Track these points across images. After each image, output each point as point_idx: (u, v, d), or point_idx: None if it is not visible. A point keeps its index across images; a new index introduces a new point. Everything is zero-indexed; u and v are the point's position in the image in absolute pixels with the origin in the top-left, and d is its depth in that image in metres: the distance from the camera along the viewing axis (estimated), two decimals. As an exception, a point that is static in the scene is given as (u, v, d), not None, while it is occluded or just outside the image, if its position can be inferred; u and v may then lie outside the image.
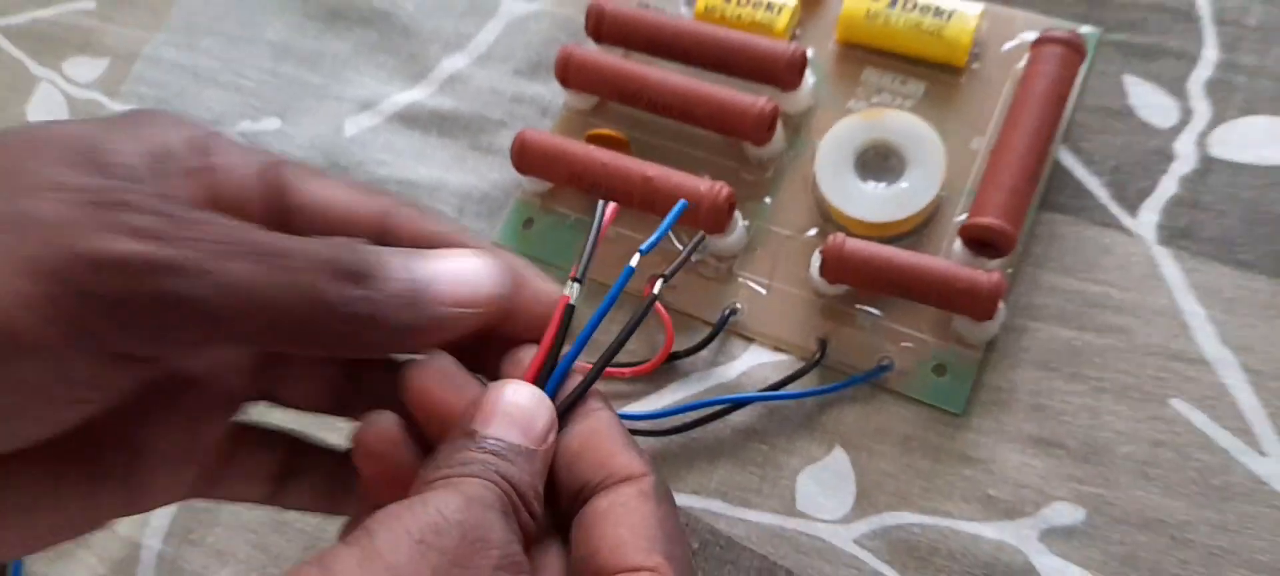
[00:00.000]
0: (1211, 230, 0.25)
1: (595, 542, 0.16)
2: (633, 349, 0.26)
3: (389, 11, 0.32)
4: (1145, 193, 0.26)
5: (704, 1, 0.29)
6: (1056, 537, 0.22)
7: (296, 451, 0.20)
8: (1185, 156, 0.26)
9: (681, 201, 0.21)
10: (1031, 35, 0.27)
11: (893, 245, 0.25)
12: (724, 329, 0.26)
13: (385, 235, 0.18)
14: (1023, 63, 0.27)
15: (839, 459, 0.24)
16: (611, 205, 0.19)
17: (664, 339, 0.26)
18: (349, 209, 0.18)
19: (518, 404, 0.17)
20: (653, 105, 0.28)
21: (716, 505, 0.24)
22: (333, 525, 0.24)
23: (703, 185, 0.26)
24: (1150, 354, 0.24)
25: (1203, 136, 0.26)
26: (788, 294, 0.26)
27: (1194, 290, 0.24)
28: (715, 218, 0.26)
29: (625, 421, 0.25)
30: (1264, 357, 0.23)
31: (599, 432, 0.18)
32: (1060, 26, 0.28)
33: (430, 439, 0.18)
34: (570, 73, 0.28)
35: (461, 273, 0.17)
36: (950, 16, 0.27)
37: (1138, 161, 0.26)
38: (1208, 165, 0.26)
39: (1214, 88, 0.27)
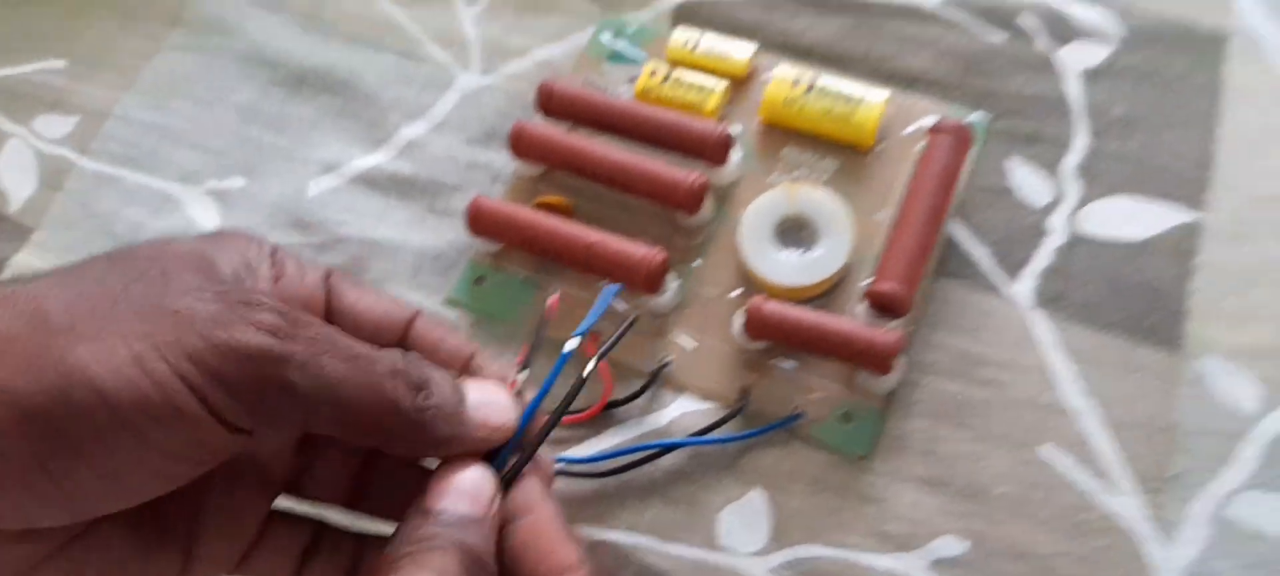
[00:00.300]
0: (1078, 296, 0.29)
1: None
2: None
3: (351, 81, 0.35)
4: (1023, 262, 0.30)
5: (643, 82, 0.32)
6: (943, 567, 0.26)
7: (320, 533, 0.23)
8: (1057, 231, 0.30)
9: (611, 288, 0.24)
10: (930, 121, 0.31)
11: (807, 306, 0.28)
12: (657, 380, 0.29)
13: (410, 339, 0.21)
14: (921, 146, 0.30)
15: (757, 497, 0.27)
16: (552, 298, 0.23)
17: (603, 389, 0.28)
18: (385, 315, 0.21)
19: (468, 479, 0.19)
20: (595, 176, 0.31)
21: (647, 541, 0.27)
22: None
23: (639, 250, 0.29)
24: (1024, 405, 0.27)
25: (1073, 214, 0.30)
26: (714, 348, 0.29)
27: (1062, 349, 0.28)
28: (650, 280, 0.29)
29: (567, 465, 0.28)
30: (1121, 409, 0.27)
31: (541, 528, 0.20)
32: (955, 114, 0.31)
33: None
34: (521, 145, 0.31)
35: (495, 403, 0.21)
36: (859, 103, 0.31)
37: (1017, 235, 0.30)
38: (1076, 239, 0.30)
39: (1083, 171, 0.31)
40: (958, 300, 0.29)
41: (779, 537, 0.27)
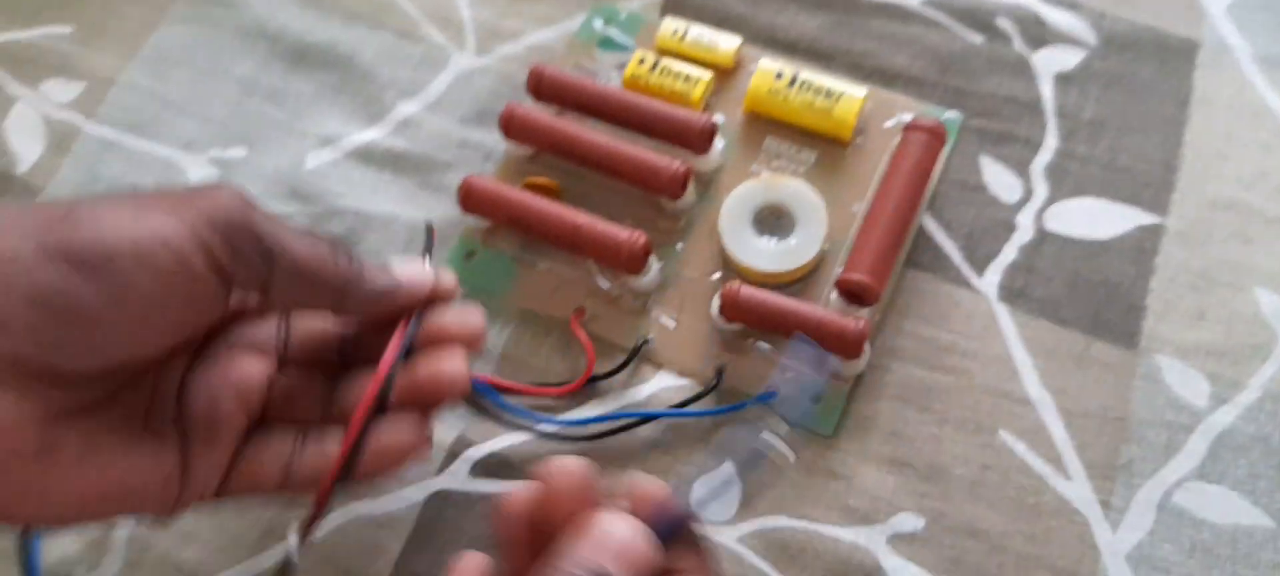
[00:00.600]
0: (1041, 292, 0.30)
1: None
2: (557, 371, 0.30)
3: (350, 58, 0.36)
4: (991, 257, 0.31)
5: (631, 70, 0.33)
6: (901, 542, 0.27)
7: (302, 437, 0.25)
8: (1025, 228, 0.31)
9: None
10: (908, 117, 0.32)
11: (782, 292, 0.30)
12: (637, 356, 0.30)
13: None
14: (898, 141, 0.32)
15: (729, 470, 0.28)
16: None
17: (586, 363, 0.30)
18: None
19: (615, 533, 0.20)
20: (583, 160, 0.32)
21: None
22: (291, 509, 0.28)
23: (623, 233, 0.30)
24: (985, 393, 0.29)
25: (1040, 212, 0.32)
26: (693, 328, 0.31)
27: (1024, 341, 0.30)
28: (632, 262, 0.30)
29: (553, 428, 0.29)
30: (1074, 399, 0.29)
31: None
32: (931, 112, 0.33)
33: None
34: (512, 127, 0.32)
35: (414, 268, 0.26)
36: (839, 98, 0.32)
37: (987, 230, 0.31)
38: (1042, 237, 0.31)
39: (1052, 171, 0.32)
40: (927, 290, 0.31)
41: (748, 507, 0.28)
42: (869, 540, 0.27)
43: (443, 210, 0.33)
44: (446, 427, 0.29)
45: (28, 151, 0.35)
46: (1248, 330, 0.29)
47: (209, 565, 0.27)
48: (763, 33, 0.35)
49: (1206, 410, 0.28)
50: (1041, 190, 0.32)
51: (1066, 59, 0.34)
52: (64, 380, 0.20)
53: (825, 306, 0.30)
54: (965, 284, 0.31)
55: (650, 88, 0.33)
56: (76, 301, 0.19)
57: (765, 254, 0.30)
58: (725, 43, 0.34)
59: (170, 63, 0.36)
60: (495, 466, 0.29)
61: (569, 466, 0.22)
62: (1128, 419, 0.28)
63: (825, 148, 0.33)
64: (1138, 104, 0.33)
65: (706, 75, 0.33)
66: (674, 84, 0.33)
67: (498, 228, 0.32)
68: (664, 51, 0.34)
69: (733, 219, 0.31)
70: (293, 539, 0.24)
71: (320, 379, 0.26)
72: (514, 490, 0.23)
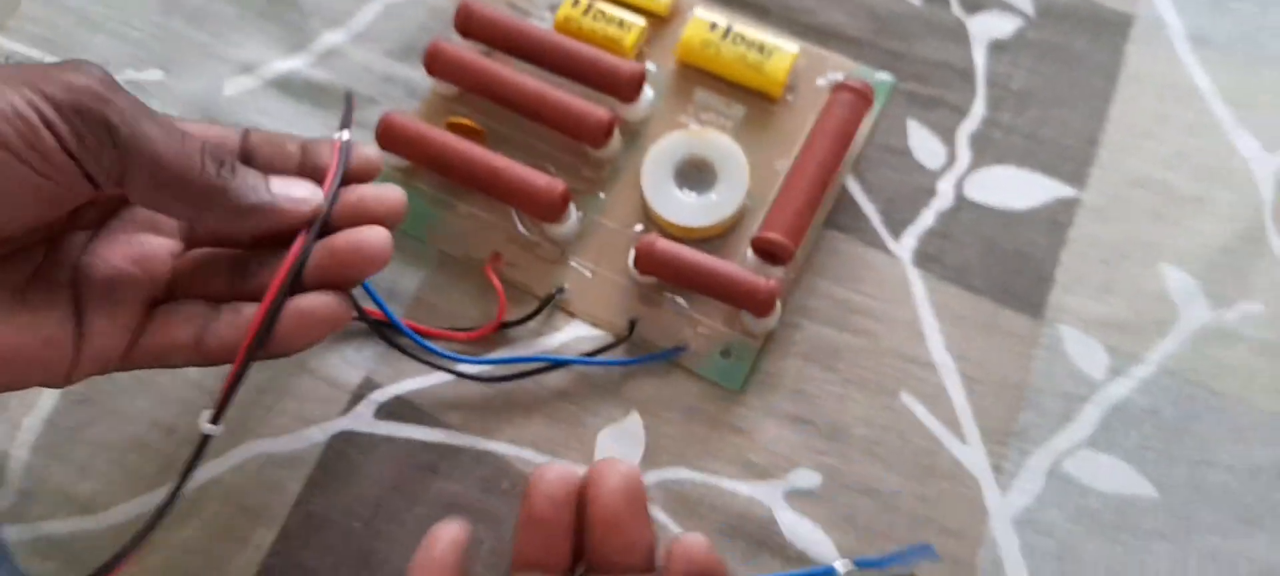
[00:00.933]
0: (954, 258, 0.31)
1: None
2: (470, 316, 0.30)
3: (276, -19, 0.35)
4: (908, 221, 0.31)
5: (564, 11, 0.33)
6: (797, 497, 0.28)
7: (216, 309, 0.25)
8: (944, 194, 0.31)
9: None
10: (840, 76, 0.32)
11: (701, 247, 0.30)
12: (551, 304, 0.30)
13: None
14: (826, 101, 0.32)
15: (634, 421, 0.29)
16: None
17: (497, 309, 0.30)
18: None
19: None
20: (508, 102, 0.31)
21: (528, 453, 0.29)
22: (189, 443, 0.28)
23: (542, 180, 0.30)
24: (891, 355, 0.29)
25: (961, 179, 0.32)
26: (609, 279, 0.31)
27: (933, 306, 0.30)
28: (551, 209, 0.30)
29: (460, 367, 0.29)
30: (977, 366, 0.29)
31: None
32: (863, 73, 0.33)
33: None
34: (437, 65, 0.32)
35: (297, 185, 0.24)
36: (772, 53, 0.32)
37: (907, 194, 0.32)
38: (961, 204, 0.31)
39: (976, 139, 0.32)
40: (844, 251, 0.31)
41: (651, 459, 0.28)
42: (766, 494, 0.28)
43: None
44: (352, 369, 0.29)
45: (-67, 61, 0.34)
46: (1151, 306, 0.30)
47: (105, 497, 0.27)
48: (700, -19, 0.34)
49: (1103, 381, 0.29)
50: (964, 157, 0.32)
51: (1003, 26, 0.34)
52: None
53: (742, 263, 0.30)
54: (882, 247, 0.31)
55: (583, 32, 0.33)
56: None
57: (686, 208, 0.30)
58: (660, -11, 0.33)
59: (88, -25, 0.35)
60: (400, 409, 0.29)
61: (622, 469, 0.23)
62: (1026, 386, 0.29)
63: (755, 103, 0.32)
64: (1067, 76, 0.33)
65: (640, 22, 0.33)
66: (607, 29, 0.33)
67: (417, 168, 0.32)
68: (598, -6, 0.33)
69: (655, 170, 0.31)
70: (206, 415, 0.23)
71: (231, 257, 0.25)
72: (555, 468, 0.23)
